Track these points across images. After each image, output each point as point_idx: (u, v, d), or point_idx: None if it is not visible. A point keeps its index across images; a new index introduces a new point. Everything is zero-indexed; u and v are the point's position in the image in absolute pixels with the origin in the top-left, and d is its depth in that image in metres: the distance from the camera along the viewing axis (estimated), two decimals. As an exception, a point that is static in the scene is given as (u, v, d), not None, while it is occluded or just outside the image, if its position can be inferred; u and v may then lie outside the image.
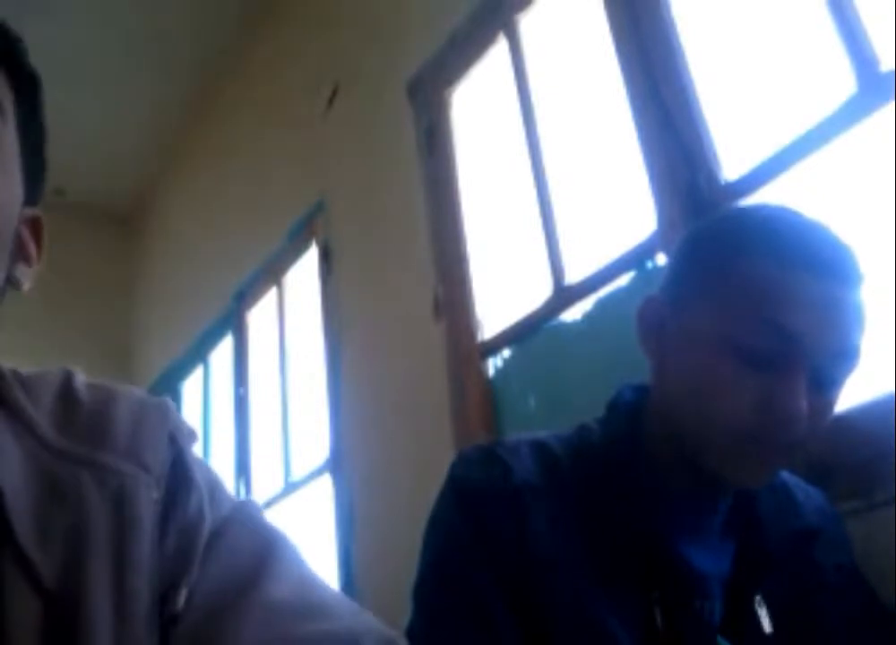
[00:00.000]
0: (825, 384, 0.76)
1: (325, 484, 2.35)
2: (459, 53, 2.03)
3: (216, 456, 3.19)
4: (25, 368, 0.59)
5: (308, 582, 0.55)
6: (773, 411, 0.74)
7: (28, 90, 0.58)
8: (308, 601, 0.53)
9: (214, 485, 0.58)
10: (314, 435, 2.50)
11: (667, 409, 0.82)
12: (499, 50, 1.95)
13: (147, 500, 0.53)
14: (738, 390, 0.75)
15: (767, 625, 0.79)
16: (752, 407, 0.74)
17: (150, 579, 0.51)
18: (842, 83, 1.21)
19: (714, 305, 0.78)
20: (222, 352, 3.22)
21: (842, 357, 0.75)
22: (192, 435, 0.60)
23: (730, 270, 0.78)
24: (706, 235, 0.84)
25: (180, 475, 0.56)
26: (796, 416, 0.73)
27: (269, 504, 2.65)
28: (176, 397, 3.56)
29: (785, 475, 0.93)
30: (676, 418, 0.81)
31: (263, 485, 2.75)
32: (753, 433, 0.75)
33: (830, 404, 0.77)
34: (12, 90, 0.56)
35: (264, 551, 0.55)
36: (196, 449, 0.60)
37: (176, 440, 0.58)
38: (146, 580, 0.50)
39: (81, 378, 0.60)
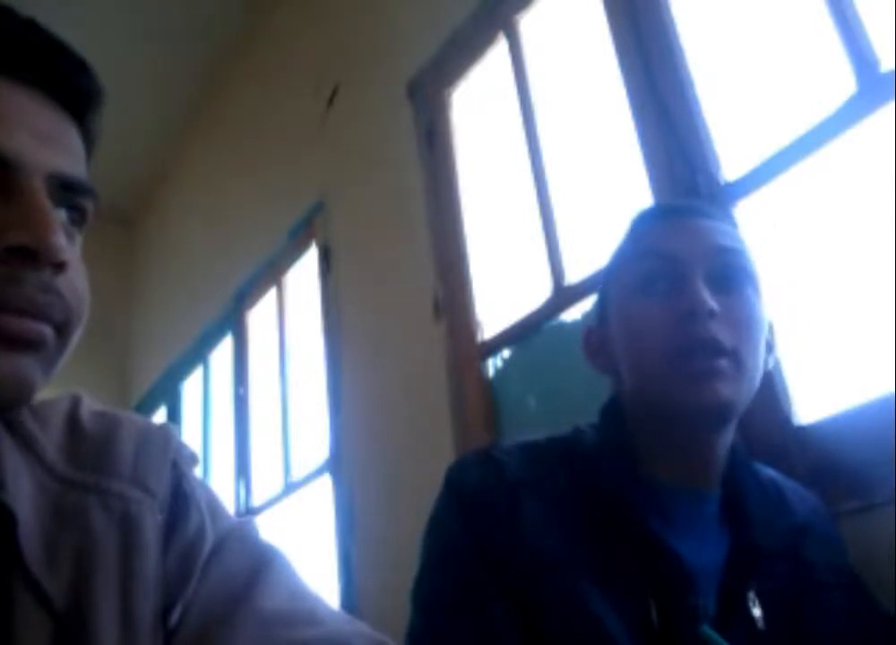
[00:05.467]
0: (724, 283, 0.83)
1: (325, 484, 2.35)
2: (459, 53, 2.03)
3: (216, 456, 3.19)
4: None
5: (300, 594, 0.56)
6: (681, 312, 0.81)
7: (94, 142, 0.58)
8: (299, 610, 0.54)
9: (214, 507, 0.60)
10: (314, 435, 2.49)
11: (636, 395, 0.86)
12: (499, 50, 1.95)
13: (151, 523, 0.55)
14: (655, 319, 0.83)
15: (761, 622, 0.80)
16: (669, 325, 0.82)
17: (153, 597, 0.53)
18: (842, 83, 1.21)
19: (615, 277, 0.91)
20: (222, 352, 3.22)
21: (724, 254, 0.84)
22: (193, 459, 0.63)
23: (618, 250, 0.92)
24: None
25: (182, 498, 0.58)
26: (700, 305, 0.80)
27: (268, 505, 2.65)
28: (176, 397, 3.56)
29: (779, 477, 0.95)
30: (641, 392, 0.85)
31: (263, 486, 2.75)
32: (678, 343, 0.81)
33: (743, 306, 0.83)
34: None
35: (258, 566, 0.56)
36: (197, 471, 0.63)
37: (178, 464, 0.60)
38: (150, 598, 0.52)
39: (87, 405, 0.61)
